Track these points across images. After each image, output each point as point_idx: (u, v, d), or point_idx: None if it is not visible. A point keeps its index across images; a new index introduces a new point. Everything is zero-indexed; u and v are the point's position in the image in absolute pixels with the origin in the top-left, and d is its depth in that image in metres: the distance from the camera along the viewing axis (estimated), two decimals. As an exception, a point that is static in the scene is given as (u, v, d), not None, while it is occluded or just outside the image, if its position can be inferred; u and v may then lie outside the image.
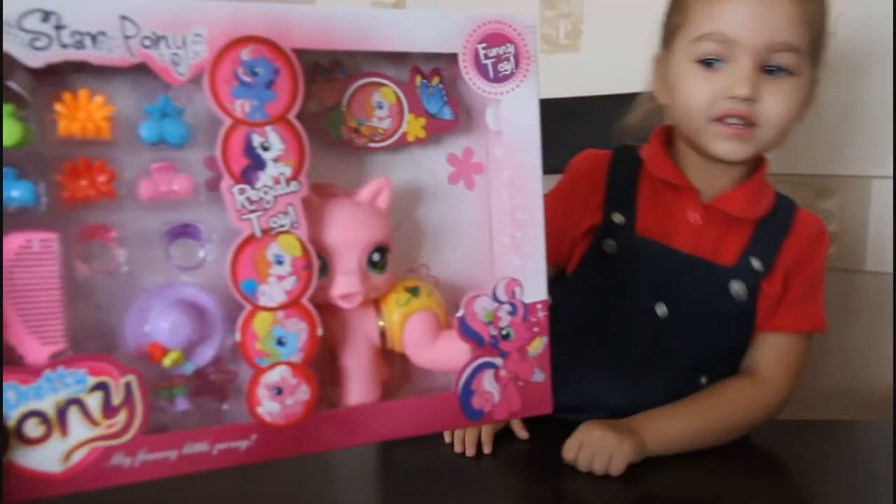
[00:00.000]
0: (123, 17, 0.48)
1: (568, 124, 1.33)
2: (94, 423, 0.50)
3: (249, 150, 0.51)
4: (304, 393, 0.54)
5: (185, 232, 0.54)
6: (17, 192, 0.48)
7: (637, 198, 1.01)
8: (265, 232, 0.52)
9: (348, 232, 0.55)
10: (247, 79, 0.51)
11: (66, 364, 0.49)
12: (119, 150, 0.51)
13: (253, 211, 0.52)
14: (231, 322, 0.54)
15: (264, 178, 0.52)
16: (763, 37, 0.88)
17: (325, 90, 0.56)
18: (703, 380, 0.97)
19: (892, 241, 1.23)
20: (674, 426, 0.91)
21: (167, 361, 0.53)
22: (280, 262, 0.53)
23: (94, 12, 0.48)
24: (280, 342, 0.53)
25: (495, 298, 0.59)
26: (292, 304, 0.53)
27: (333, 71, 0.56)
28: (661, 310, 0.97)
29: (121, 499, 0.55)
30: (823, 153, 1.30)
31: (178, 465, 0.52)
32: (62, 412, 0.50)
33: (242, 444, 0.54)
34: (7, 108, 0.47)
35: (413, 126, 0.59)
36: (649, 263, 0.97)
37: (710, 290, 0.97)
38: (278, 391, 0.54)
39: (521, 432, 0.94)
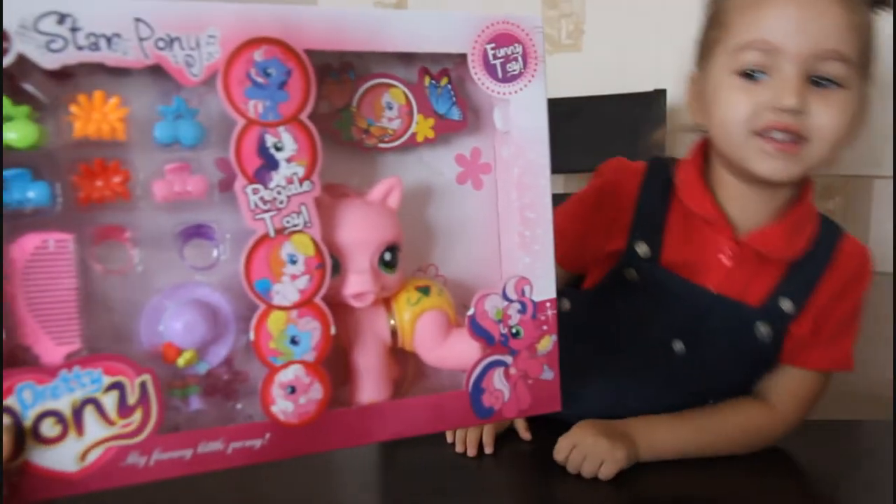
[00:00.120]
0: (138, 19, 0.49)
1: (570, 124, 1.34)
2: (109, 422, 0.51)
3: (262, 150, 0.52)
4: (317, 392, 0.55)
5: (198, 232, 0.54)
6: (33, 193, 0.49)
7: (665, 227, 0.94)
8: (279, 231, 0.53)
9: (360, 231, 0.56)
10: (260, 79, 0.52)
11: (83, 364, 0.50)
12: (133, 151, 0.52)
13: (266, 210, 0.53)
14: (244, 322, 0.54)
15: (277, 177, 0.53)
16: (810, 44, 0.81)
17: (336, 91, 0.57)
18: (711, 401, 0.96)
19: (892, 240, 1.24)
20: (671, 439, 0.91)
21: (181, 361, 0.53)
22: (293, 262, 0.54)
23: (108, 14, 0.49)
24: (293, 341, 0.54)
25: (505, 297, 0.60)
26: (306, 304, 0.54)
27: (343, 72, 0.57)
28: (679, 346, 0.94)
29: (129, 498, 0.56)
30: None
31: (193, 465, 0.53)
32: (78, 412, 0.50)
33: (256, 443, 0.54)
34: (23, 109, 0.48)
35: (422, 126, 0.60)
36: (671, 298, 0.93)
37: (733, 330, 0.93)
38: (292, 390, 0.55)
39: (525, 433, 0.95)
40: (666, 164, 0.98)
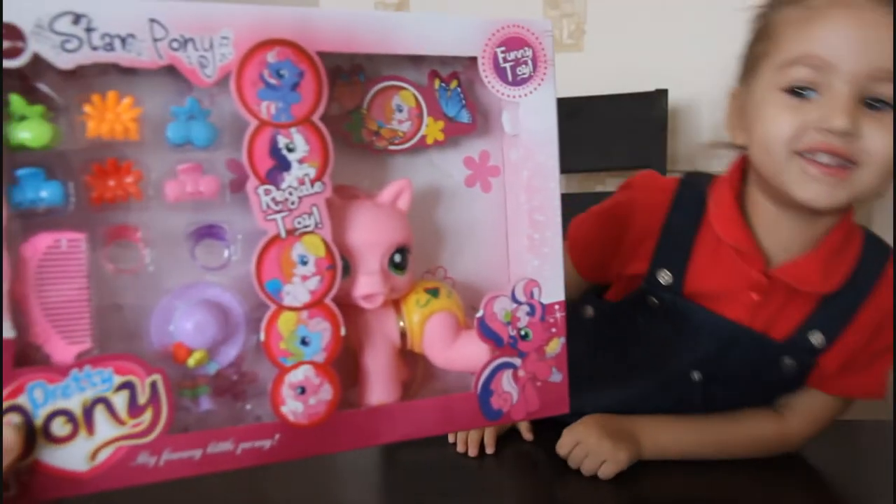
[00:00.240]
0: (152, 20, 0.50)
1: (571, 124, 1.36)
2: (120, 422, 0.51)
3: (275, 151, 0.53)
4: (326, 392, 0.56)
5: (210, 232, 0.55)
6: (46, 193, 0.49)
7: (692, 254, 0.90)
8: (290, 232, 0.54)
9: (370, 233, 0.57)
10: (272, 81, 0.53)
11: (93, 363, 0.51)
12: (146, 151, 0.53)
13: (278, 211, 0.54)
14: (254, 322, 0.55)
15: (289, 178, 0.54)
16: (865, 63, 0.75)
17: (346, 93, 0.58)
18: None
19: (892, 241, 1.25)
20: (676, 443, 0.92)
21: (191, 361, 0.54)
22: (304, 263, 0.54)
23: (123, 15, 0.49)
24: (304, 342, 0.55)
25: (514, 299, 0.61)
26: (316, 304, 0.55)
27: (354, 74, 0.58)
28: (697, 376, 0.92)
29: (138, 498, 0.57)
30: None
31: (203, 465, 0.54)
32: (88, 411, 0.51)
33: (266, 444, 0.55)
34: (37, 109, 0.49)
35: (432, 129, 0.61)
36: (691, 329, 0.90)
37: (756, 362, 0.90)
38: (302, 391, 0.55)
39: (528, 434, 0.96)
40: (700, 181, 0.93)
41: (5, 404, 0.49)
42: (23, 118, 0.49)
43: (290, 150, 0.54)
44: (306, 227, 0.55)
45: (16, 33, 0.47)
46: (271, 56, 0.53)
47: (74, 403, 0.51)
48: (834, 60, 0.76)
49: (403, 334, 0.60)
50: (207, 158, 0.54)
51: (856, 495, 0.87)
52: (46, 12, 0.48)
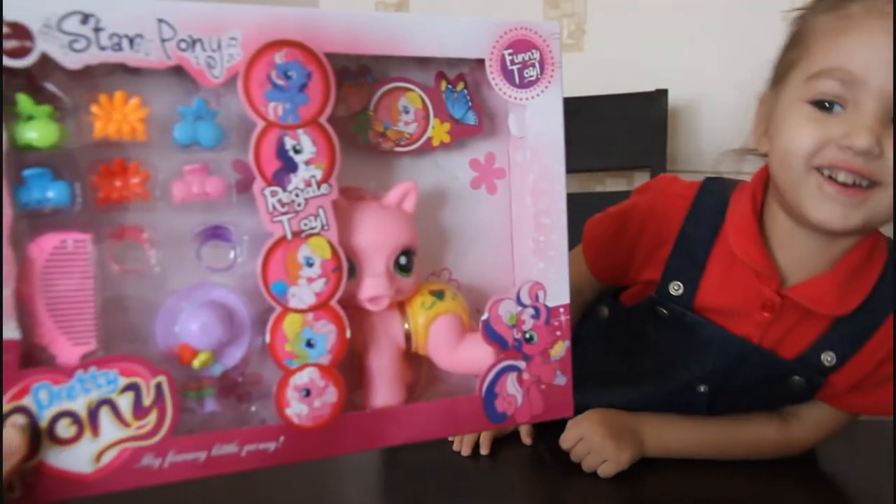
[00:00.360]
0: (160, 20, 0.50)
1: (571, 124, 1.37)
2: (125, 423, 0.52)
3: (282, 152, 0.54)
4: (331, 395, 0.57)
5: (216, 234, 0.56)
6: (52, 193, 0.50)
7: (706, 266, 0.88)
8: (296, 234, 0.55)
9: (376, 235, 0.58)
10: (280, 82, 0.53)
11: (99, 365, 0.51)
12: (153, 151, 0.53)
13: (284, 213, 0.54)
14: (259, 323, 0.56)
15: (296, 180, 0.54)
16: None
17: (353, 94, 0.59)
18: None
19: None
20: (680, 443, 0.93)
21: (196, 363, 0.54)
22: (310, 265, 0.55)
23: (132, 15, 0.50)
24: (309, 344, 0.56)
25: (519, 302, 0.61)
26: (322, 306, 0.55)
27: (361, 75, 0.59)
28: (703, 388, 0.92)
29: (143, 500, 0.57)
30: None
31: (207, 467, 0.54)
32: (93, 413, 0.51)
33: (271, 446, 0.56)
34: (44, 109, 0.49)
35: (438, 131, 0.61)
36: (700, 344, 0.90)
37: (764, 379, 0.89)
38: (307, 393, 0.56)
39: (527, 439, 0.96)
40: (721, 188, 0.91)
41: (11, 406, 0.49)
42: (30, 118, 0.49)
43: (297, 151, 0.54)
44: (312, 228, 0.55)
45: (24, 33, 0.48)
46: (279, 57, 0.53)
47: (79, 405, 0.51)
48: (863, 76, 0.73)
49: (408, 336, 0.61)
50: (214, 159, 0.55)
51: (856, 495, 0.88)
52: (55, 12, 0.48)
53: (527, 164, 0.62)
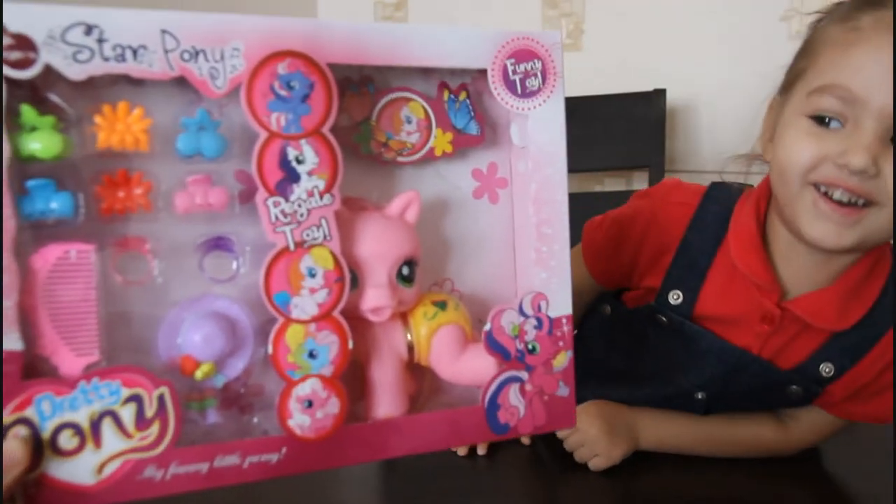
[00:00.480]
0: (164, 31, 0.51)
1: (569, 123, 1.39)
2: (127, 435, 0.53)
3: (284, 163, 0.54)
4: (333, 406, 0.57)
5: (218, 244, 0.56)
6: (56, 204, 0.51)
7: (707, 275, 0.89)
8: (298, 245, 0.55)
9: (379, 245, 0.58)
10: (283, 92, 0.54)
11: (101, 376, 0.52)
12: (156, 162, 0.54)
13: (287, 223, 0.55)
14: (261, 334, 0.56)
15: (298, 190, 0.55)
16: None
17: (355, 104, 0.60)
18: None
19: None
20: (675, 437, 0.94)
21: (199, 374, 0.55)
22: (313, 275, 0.56)
23: (135, 26, 0.51)
24: (311, 355, 0.56)
25: (521, 312, 0.62)
26: (324, 317, 0.56)
27: (363, 85, 0.60)
28: (701, 395, 0.94)
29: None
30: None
31: (209, 479, 0.55)
32: (96, 424, 0.52)
33: (273, 458, 0.56)
34: (48, 120, 0.50)
35: (440, 141, 0.62)
36: (698, 353, 0.91)
37: (762, 388, 0.91)
38: (309, 404, 0.57)
39: (525, 438, 0.97)
40: (726, 196, 0.91)
41: (13, 417, 0.50)
42: (34, 129, 0.50)
43: (299, 161, 0.55)
44: (315, 239, 0.56)
45: (28, 44, 0.49)
46: (282, 67, 0.54)
47: (82, 416, 0.52)
48: (864, 95, 0.72)
49: (411, 347, 0.62)
50: (216, 169, 0.55)
51: (855, 494, 0.89)
52: (59, 23, 0.49)
53: (529, 173, 0.63)
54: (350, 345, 0.58)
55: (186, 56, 0.52)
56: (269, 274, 0.55)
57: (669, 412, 0.96)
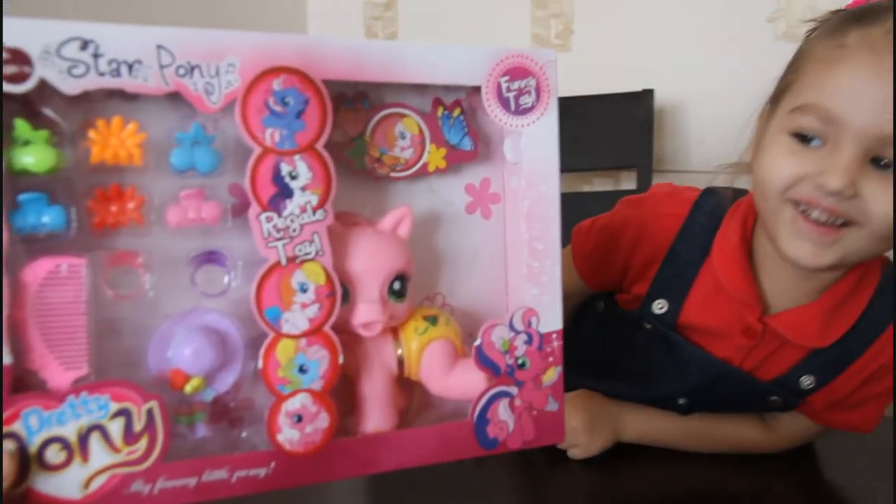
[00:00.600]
0: (160, 47, 0.51)
1: (560, 124, 1.39)
2: (115, 449, 0.53)
3: (278, 178, 0.55)
4: (323, 421, 0.58)
5: (210, 258, 0.57)
6: (47, 218, 0.51)
7: (693, 286, 0.90)
8: (290, 260, 0.56)
9: (371, 260, 0.59)
10: (277, 108, 0.54)
11: (90, 390, 0.52)
12: (149, 176, 0.54)
13: (279, 239, 0.55)
14: (252, 349, 0.57)
15: (291, 206, 0.55)
16: (878, 123, 0.70)
17: (350, 120, 0.60)
18: None
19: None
20: (658, 432, 0.97)
21: (188, 388, 0.55)
22: (304, 290, 0.56)
23: (131, 41, 0.51)
24: (302, 370, 0.57)
25: (512, 328, 0.63)
26: (315, 332, 0.57)
27: (358, 101, 0.60)
28: (683, 401, 0.95)
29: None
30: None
31: (197, 493, 0.55)
32: (84, 438, 0.52)
33: (262, 472, 0.57)
34: (42, 134, 0.50)
35: (434, 156, 0.63)
36: (681, 362, 0.92)
37: (742, 396, 0.92)
38: (298, 419, 0.57)
39: None
40: (715, 207, 0.91)
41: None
42: (27, 143, 0.50)
43: (293, 177, 0.55)
44: (307, 254, 0.56)
45: (23, 58, 0.49)
46: (277, 84, 0.54)
47: (70, 430, 0.52)
48: (844, 116, 0.72)
49: (401, 362, 0.62)
50: (210, 184, 0.56)
51: (855, 494, 0.90)
52: (54, 38, 0.49)
53: (521, 190, 0.63)
54: (340, 360, 0.58)
55: (182, 71, 0.53)
56: (260, 288, 0.56)
57: (653, 411, 0.98)
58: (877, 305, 0.86)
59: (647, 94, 1.66)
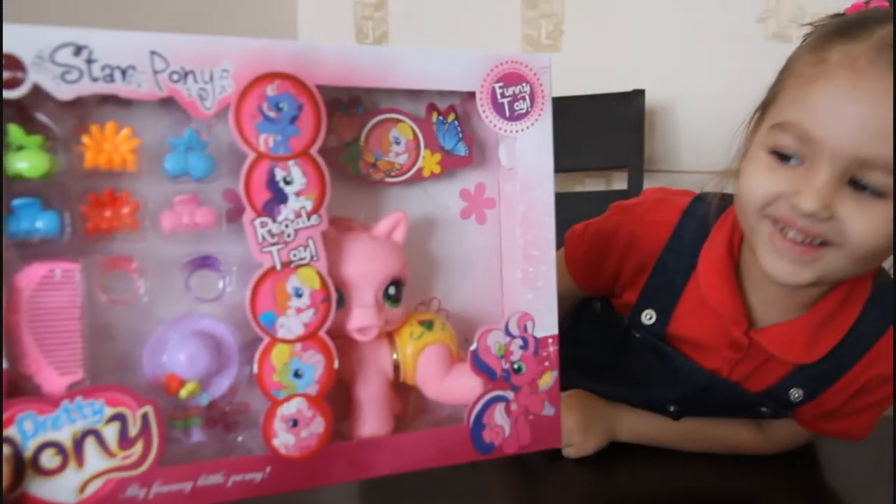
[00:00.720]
0: (153, 52, 0.51)
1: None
2: (110, 454, 0.53)
3: (272, 183, 0.55)
4: (318, 425, 0.58)
5: (204, 263, 0.56)
6: (41, 223, 0.51)
7: (682, 296, 0.89)
8: (285, 265, 0.56)
9: (366, 265, 0.59)
10: (271, 114, 0.54)
11: (85, 395, 0.52)
12: (143, 181, 0.54)
13: (274, 244, 0.55)
14: (247, 353, 0.57)
15: (286, 211, 0.55)
16: (855, 145, 0.68)
17: (344, 125, 0.60)
18: None
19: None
20: (652, 431, 0.97)
21: (183, 393, 0.55)
22: (299, 295, 0.56)
23: (124, 47, 0.51)
24: (297, 374, 0.57)
25: (508, 332, 0.63)
26: (310, 337, 0.57)
27: (352, 106, 0.60)
28: (673, 409, 0.95)
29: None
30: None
31: (193, 498, 0.55)
32: (79, 443, 0.52)
33: (257, 477, 0.56)
34: (35, 139, 0.50)
35: (429, 162, 0.63)
36: (671, 370, 0.92)
37: (732, 406, 0.92)
38: (294, 423, 0.57)
39: None
40: (705, 215, 0.90)
41: (-5, 436, 0.50)
42: (20, 148, 0.50)
43: (287, 182, 0.55)
44: (302, 259, 0.56)
45: (16, 64, 0.49)
46: (271, 89, 0.54)
47: (64, 435, 0.52)
48: (821, 136, 0.70)
49: (396, 366, 0.62)
50: (204, 189, 0.56)
51: (854, 494, 0.90)
52: (48, 44, 0.49)
53: (516, 195, 0.63)
54: (336, 364, 0.58)
55: (175, 77, 0.52)
56: (255, 293, 0.55)
57: (649, 416, 0.98)
58: (867, 318, 0.84)
59: (638, 95, 1.67)
